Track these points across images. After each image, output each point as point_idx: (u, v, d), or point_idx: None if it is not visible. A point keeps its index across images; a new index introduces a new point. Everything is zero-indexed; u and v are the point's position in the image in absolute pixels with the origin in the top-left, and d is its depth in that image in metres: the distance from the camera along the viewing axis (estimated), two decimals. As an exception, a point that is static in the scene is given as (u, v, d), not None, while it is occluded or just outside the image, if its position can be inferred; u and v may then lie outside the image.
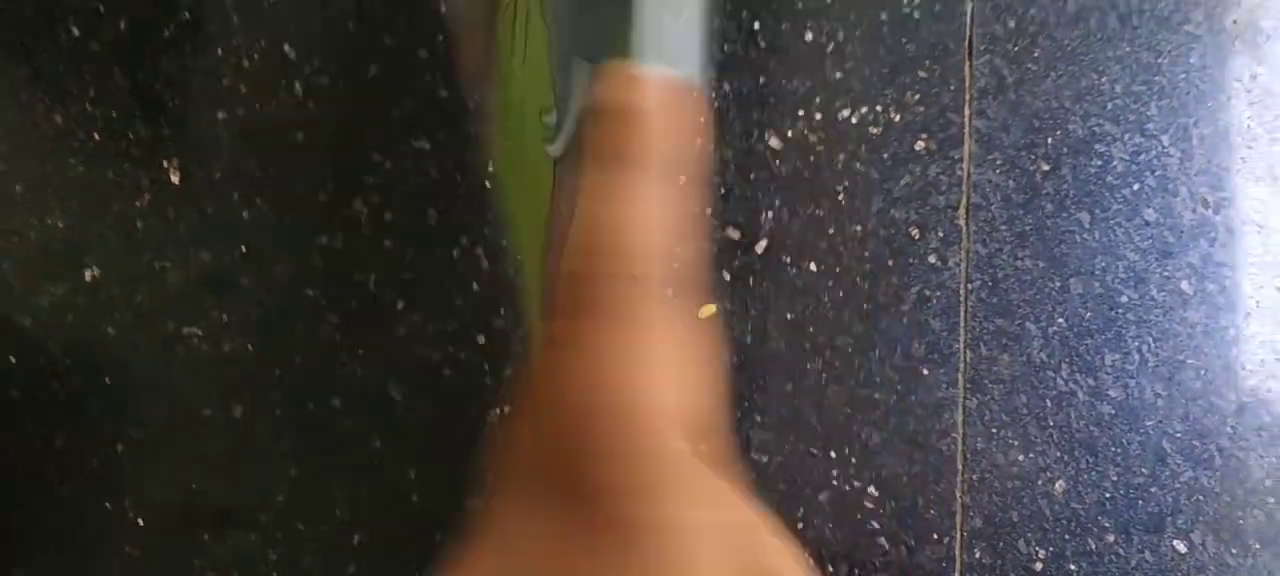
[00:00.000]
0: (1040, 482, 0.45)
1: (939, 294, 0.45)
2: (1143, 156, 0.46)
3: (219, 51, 0.47)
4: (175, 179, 0.46)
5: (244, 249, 0.46)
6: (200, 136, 0.46)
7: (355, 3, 0.48)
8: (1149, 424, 0.45)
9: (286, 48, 0.47)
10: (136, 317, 0.45)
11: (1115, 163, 0.47)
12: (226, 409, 0.45)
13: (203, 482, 0.44)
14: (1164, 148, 0.47)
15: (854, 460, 0.44)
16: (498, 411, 0.46)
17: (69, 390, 0.44)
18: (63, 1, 0.47)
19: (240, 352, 0.45)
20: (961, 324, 0.45)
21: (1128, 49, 0.47)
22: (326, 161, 0.46)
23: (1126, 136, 0.47)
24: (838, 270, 0.46)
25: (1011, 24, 0.47)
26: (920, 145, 0.46)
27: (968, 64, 0.47)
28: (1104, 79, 0.47)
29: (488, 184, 0.46)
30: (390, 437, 0.44)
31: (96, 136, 0.46)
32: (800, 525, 0.45)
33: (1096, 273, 0.46)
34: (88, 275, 0.45)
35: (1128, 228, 0.46)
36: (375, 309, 0.44)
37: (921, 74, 0.47)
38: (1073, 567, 0.44)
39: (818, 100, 0.47)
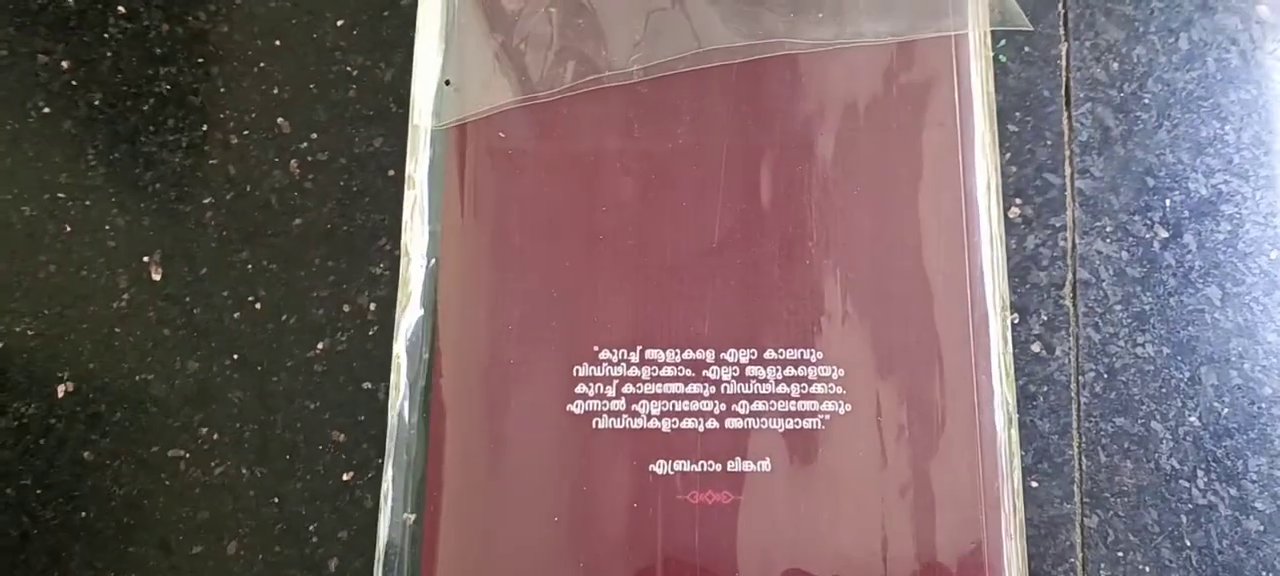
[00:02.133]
0: (1179, 617, 0.38)
1: (1046, 390, 0.39)
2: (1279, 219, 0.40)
3: (203, 127, 0.42)
4: (157, 276, 0.41)
5: (236, 356, 0.40)
6: (184, 226, 0.41)
7: (355, 67, 0.42)
8: (1306, 541, 0.38)
9: (280, 120, 0.42)
10: (116, 439, 0.39)
11: (1247, 226, 0.40)
12: (219, 543, 0.39)
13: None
14: (1306, 207, 0.40)
15: (952, 590, 0.38)
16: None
17: (42, 528, 0.38)
18: (30, 76, 0.42)
19: (233, 478, 0.39)
20: (1074, 425, 0.38)
21: (1254, 92, 0.41)
22: (328, 250, 0.40)
23: (1259, 194, 0.40)
24: (923, 363, 0.39)
25: (1115, 66, 0.41)
26: (1015, 212, 0.40)
27: (1066, 114, 0.41)
28: (1227, 127, 0.40)
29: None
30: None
31: (68, 228, 0.40)
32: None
33: (1232, 359, 0.39)
34: (61, 390, 0.40)
35: (1266, 304, 0.39)
36: (385, 421, 0.38)
37: (1011, 128, 0.41)
38: None
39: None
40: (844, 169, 0.39)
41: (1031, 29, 0.41)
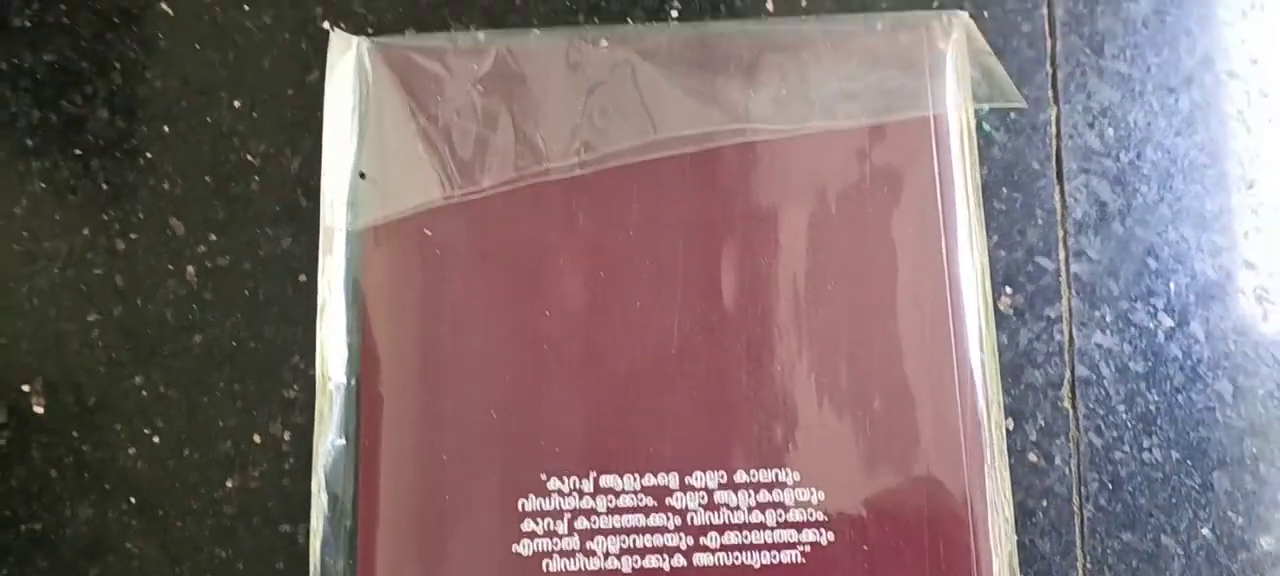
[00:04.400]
0: None
1: (1046, 504, 0.36)
2: (1295, 300, 0.37)
3: (83, 231, 0.37)
4: (39, 408, 0.36)
5: (133, 499, 0.36)
6: (68, 348, 0.36)
7: (257, 155, 0.38)
8: (1332, 663, 0.35)
9: (173, 220, 0.37)
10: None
11: (1259, 310, 0.37)
12: None
13: None
14: (1321, 287, 0.37)
15: None
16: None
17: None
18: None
19: (134, 635, 0.34)
20: (1078, 543, 0.35)
21: (1263, 157, 0.37)
22: (233, 372, 0.36)
23: (1274, 275, 0.37)
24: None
25: (1110, 132, 0.38)
26: (1005, 303, 0.37)
27: (1058, 188, 0.37)
28: (1235, 199, 0.37)
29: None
30: None
31: (-65, 353, 0.36)
32: None
33: (1247, 462, 0.36)
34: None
35: (1282, 397, 0.36)
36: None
37: (997, 205, 0.37)
38: None
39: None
40: (815, 262, 0.35)
41: (1024, 106, 0.37)
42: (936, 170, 0.35)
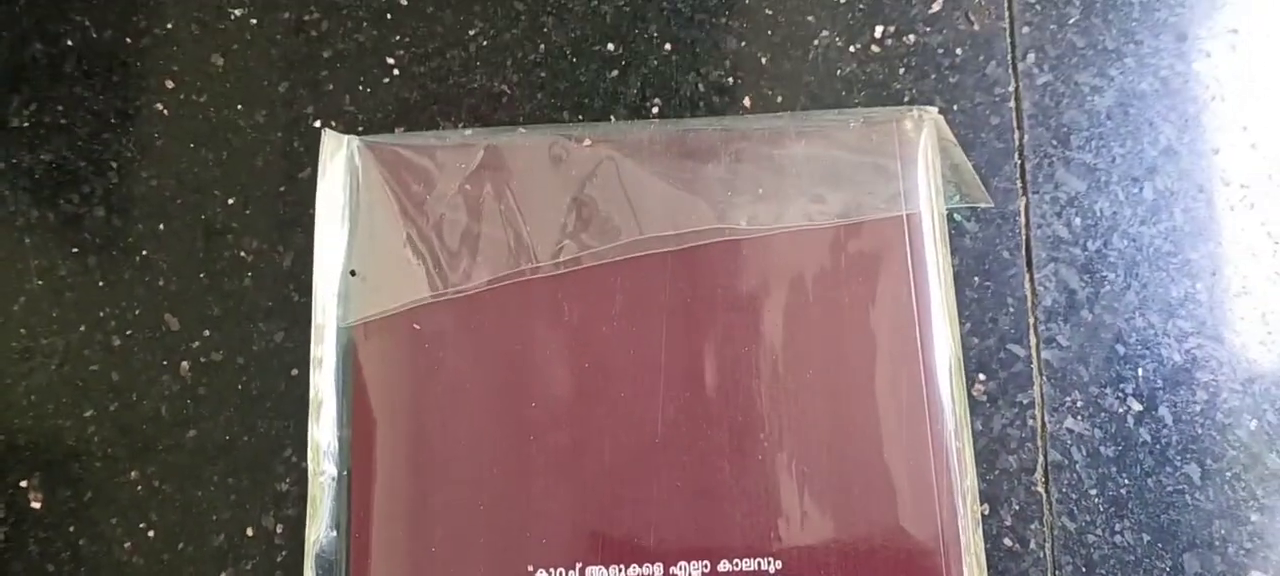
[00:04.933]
0: None
1: (1021, 589, 0.36)
2: (1258, 385, 0.38)
3: (81, 328, 0.38)
4: (36, 503, 0.37)
5: (127, 591, 0.36)
6: (64, 444, 0.37)
7: (250, 252, 0.39)
8: None
9: (168, 316, 0.38)
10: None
11: (1224, 394, 0.38)
12: None
13: None
14: (1284, 371, 0.38)
15: None
16: None
17: None
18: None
19: None
20: (1053, 628, 0.36)
21: (1226, 244, 0.39)
22: (226, 466, 0.37)
23: (1235, 359, 0.38)
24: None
25: (1078, 221, 0.39)
26: (979, 390, 0.38)
27: (1028, 277, 0.38)
28: (1199, 286, 0.38)
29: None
30: None
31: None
32: None
33: (1216, 543, 0.37)
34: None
35: (1248, 480, 0.37)
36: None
37: (970, 294, 0.38)
38: None
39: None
40: (794, 353, 0.36)
41: (992, 205, 0.38)
42: (910, 263, 0.37)
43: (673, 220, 0.37)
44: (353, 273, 0.37)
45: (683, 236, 0.37)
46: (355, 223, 0.37)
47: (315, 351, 0.36)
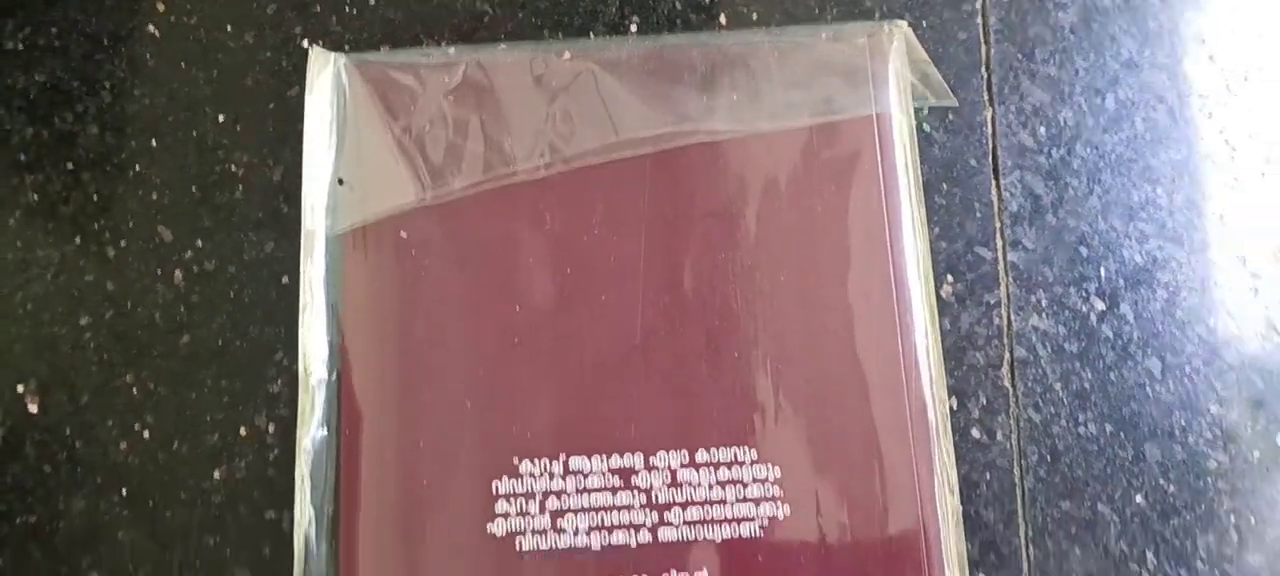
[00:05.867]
0: None
1: (989, 477, 0.38)
2: (1215, 284, 0.39)
3: (76, 239, 0.39)
4: (34, 408, 0.38)
5: (124, 491, 0.37)
6: (61, 351, 0.38)
7: (240, 166, 0.40)
8: (1259, 620, 0.38)
9: (161, 228, 0.39)
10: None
11: (1183, 293, 0.39)
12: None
13: None
14: (1242, 269, 0.39)
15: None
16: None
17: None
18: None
19: (127, 623, 0.36)
20: (1020, 513, 0.38)
21: (1185, 151, 0.40)
22: (220, 370, 0.38)
23: (1193, 259, 0.40)
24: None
25: (1042, 131, 0.40)
26: (947, 290, 0.39)
27: (994, 183, 0.40)
28: (1159, 190, 0.40)
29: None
30: None
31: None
32: None
33: (1176, 433, 0.38)
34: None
35: (1207, 373, 0.39)
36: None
37: (938, 200, 0.40)
38: None
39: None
40: (768, 256, 0.38)
41: (956, 104, 0.40)
42: (880, 166, 0.38)
43: (649, 124, 0.38)
44: (340, 182, 0.38)
45: (659, 138, 0.38)
46: (342, 135, 0.39)
47: (305, 259, 0.38)
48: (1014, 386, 0.39)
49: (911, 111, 0.39)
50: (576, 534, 0.36)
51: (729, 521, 0.36)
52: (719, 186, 0.38)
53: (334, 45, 0.41)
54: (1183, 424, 0.39)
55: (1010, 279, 0.40)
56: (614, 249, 0.38)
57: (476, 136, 0.39)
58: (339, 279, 0.38)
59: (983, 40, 0.41)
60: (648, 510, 0.37)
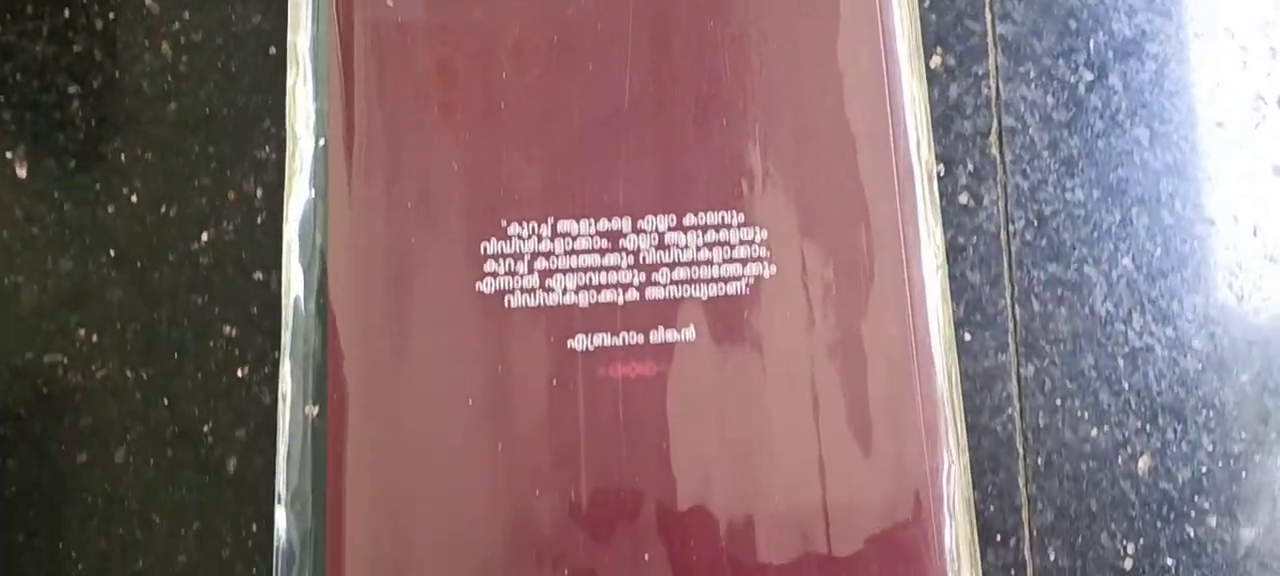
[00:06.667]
0: (1120, 461, 0.37)
1: (975, 240, 0.38)
2: (1204, 52, 0.39)
3: (65, 11, 0.39)
4: (22, 172, 0.38)
5: (112, 252, 0.37)
6: (49, 118, 0.38)
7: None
8: (1244, 378, 0.38)
9: (149, 2, 0.39)
10: (-18, 351, 0.37)
11: (1171, 65, 0.40)
12: (105, 451, 0.36)
13: (80, 551, 0.36)
14: (1230, 42, 0.39)
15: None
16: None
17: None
18: None
19: (117, 380, 0.36)
20: (1006, 274, 0.38)
21: (1175, -71, 0.40)
22: (207, 136, 0.38)
23: (1181, 31, 0.40)
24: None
25: (1033, -91, 0.40)
26: (936, 61, 0.39)
27: (985, -39, 0.40)
28: (1150, -34, 0.40)
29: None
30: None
31: (-82, 130, 0.38)
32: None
33: (1163, 199, 0.39)
34: (-82, 303, 0.37)
35: (1194, 141, 0.39)
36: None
37: (930, -22, 0.40)
38: (1170, 561, 0.37)
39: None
40: (758, 24, 0.38)
41: None
42: (869, -69, 0.38)
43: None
44: (328, -51, 0.38)
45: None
46: (330, -96, 0.39)
47: (291, 29, 0.37)
48: (1002, 153, 0.39)
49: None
50: (564, 293, 0.37)
51: (716, 281, 0.37)
52: (708, -49, 0.38)
53: None
54: (1170, 190, 0.39)
55: (999, 50, 0.40)
56: (602, 14, 0.38)
57: (465, -96, 0.39)
58: (326, 48, 0.38)
59: None
60: (635, 271, 0.37)
